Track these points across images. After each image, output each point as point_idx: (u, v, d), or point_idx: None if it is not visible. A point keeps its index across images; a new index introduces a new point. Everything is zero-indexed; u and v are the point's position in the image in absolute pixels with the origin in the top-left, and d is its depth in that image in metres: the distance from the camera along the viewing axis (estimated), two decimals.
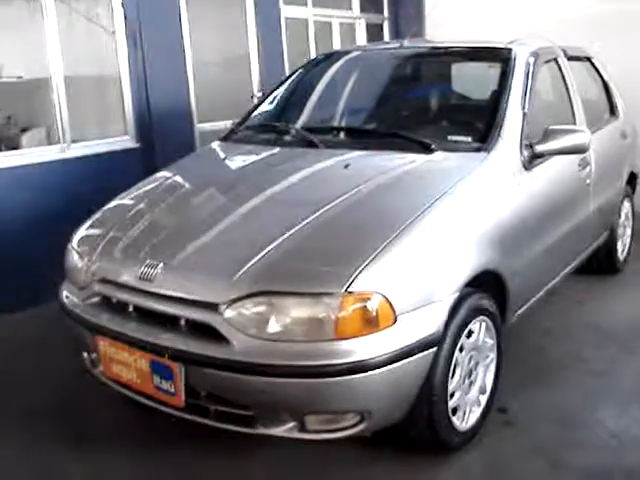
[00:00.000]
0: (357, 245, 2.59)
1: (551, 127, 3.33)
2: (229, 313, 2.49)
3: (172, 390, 2.62)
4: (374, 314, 2.42)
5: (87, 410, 3.37)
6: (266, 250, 2.60)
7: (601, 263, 4.89)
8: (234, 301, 2.49)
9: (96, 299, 2.95)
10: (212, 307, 2.52)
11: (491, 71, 3.65)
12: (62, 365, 3.69)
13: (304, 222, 2.73)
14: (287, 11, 6.71)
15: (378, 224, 2.73)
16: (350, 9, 7.77)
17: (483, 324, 2.94)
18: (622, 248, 5.07)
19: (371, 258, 2.48)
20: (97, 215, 3.37)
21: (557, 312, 4.32)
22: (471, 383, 2.93)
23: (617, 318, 4.28)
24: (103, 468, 2.94)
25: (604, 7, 6.48)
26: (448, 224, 2.79)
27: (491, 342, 3.04)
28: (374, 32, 8.06)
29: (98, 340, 2.84)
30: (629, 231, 5.22)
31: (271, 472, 2.88)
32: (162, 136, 5.50)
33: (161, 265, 2.70)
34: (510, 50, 3.68)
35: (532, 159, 3.33)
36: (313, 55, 7.11)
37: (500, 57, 3.67)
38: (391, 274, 2.50)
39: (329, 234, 2.71)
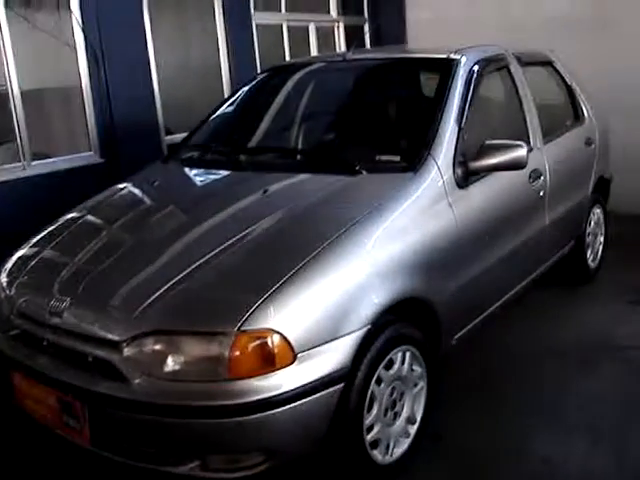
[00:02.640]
0: (254, 280, 2.51)
1: (486, 142, 3.20)
2: (129, 351, 2.43)
3: (78, 427, 2.58)
4: (270, 353, 2.33)
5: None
6: (167, 286, 2.53)
7: (569, 273, 4.74)
8: (133, 339, 2.43)
9: (16, 332, 2.89)
10: (113, 345, 2.46)
11: (431, 83, 3.52)
12: None
13: (208, 256, 2.65)
14: (259, 17, 6.62)
15: (281, 256, 2.63)
16: (328, 12, 7.65)
17: (407, 353, 2.83)
18: (593, 256, 4.91)
19: (267, 294, 2.39)
20: (25, 244, 3.30)
21: (516, 326, 4.18)
22: (396, 414, 2.83)
23: (577, 331, 4.13)
24: None
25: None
26: (359, 254, 2.66)
27: (420, 370, 2.93)
28: (354, 35, 7.92)
29: (14, 374, 2.79)
30: (601, 238, 5.05)
31: None
32: (128, 151, 5.44)
33: (68, 300, 2.65)
34: (452, 60, 3.53)
35: (467, 176, 3.19)
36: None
37: (441, 68, 3.52)
38: (289, 311, 2.39)
39: (230, 269, 2.62)
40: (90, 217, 3.41)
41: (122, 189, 3.68)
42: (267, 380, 2.33)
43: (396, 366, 2.77)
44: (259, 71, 4.26)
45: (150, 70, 5.69)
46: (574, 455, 2.98)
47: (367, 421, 2.65)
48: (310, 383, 2.39)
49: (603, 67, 5.80)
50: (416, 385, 2.93)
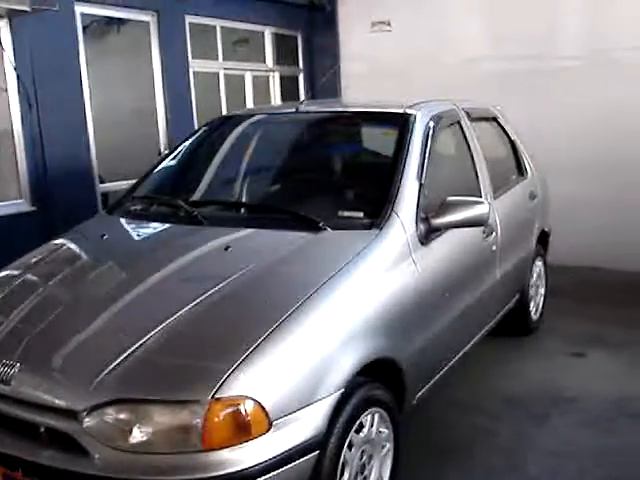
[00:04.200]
0: (225, 345, 2.37)
1: (448, 199, 3.17)
2: (89, 421, 2.23)
3: None
4: (245, 421, 2.20)
5: None
6: (130, 350, 2.36)
7: (514, 325, 4.77)
8: (94, 408, 2.23)
9: None
10: (71, 414, 2.26)
11: (388, 138, 3.49)
12: None
13: (172, 318, 2.49)
14: (196, 65, 6.54)
15: (251, 319, 2.50)
16: (264, 62, 7.65)
17: (376, 415, 2.74)
18: (535, 308, 4.98)
19: (241, 359, 2.25)
20: None
21: (466, 379, 4.14)
22: (365, 478, 2.72)
23: (527, 385, 4.15)
24: None
25: (517, 65, 6.59)
26: (330, 315, 2.58)
27: (387, 432, 2.83)
28: (289, 85, 7.95)
29: None
30: (542, 290, 5.14)
31: None
32: (61, 199, 5.23)
33: (18, 365, 2.43)
34: (409, 115, 3.52)
35: (429, 233, 3.16)
36: (224, 109, 6.96)
37: (398, 122, 3.50)
38: (264, 376, 2.27)
39: (197, 331, 2.47)
40: (34, 273, 3.18)
41: (67, 243, 3.47)
42: (242, 450, 2.19)
43: (366, 429, 2.68)
44: (205, 121, 4.10)
45: (85, 116, 5.51)
46: None
47: None
48: (286, 452, 2.27)
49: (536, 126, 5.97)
50: (383, 447, 2.84)
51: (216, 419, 2.17)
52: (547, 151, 5.48)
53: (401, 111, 3.58)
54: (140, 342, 2.39)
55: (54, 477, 2.26)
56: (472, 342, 3.82)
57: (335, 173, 3.77)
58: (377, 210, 3.08)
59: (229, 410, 2.18)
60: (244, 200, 3.74)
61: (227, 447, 2.18)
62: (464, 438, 3.54)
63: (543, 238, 5.01)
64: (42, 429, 2.32)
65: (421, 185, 3.22)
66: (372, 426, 2.72)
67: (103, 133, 5.71)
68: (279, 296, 2.63)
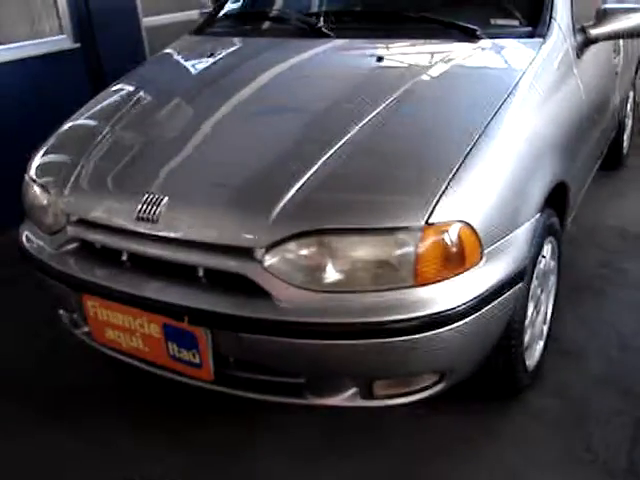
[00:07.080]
0: (425, 165, 2.03)
1: (606, 6, 2.82)
2: (269, 260, 1.91)
3: (196, 361, 2.06)
4: (460, 250, 1.90)
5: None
6: (306, 177, 2.00)
7: (608, 159, 4.46)
8: (275, 244, 1.91)
9: (73, 246, 2.32)
10: (245, 253, 1.93)
11: None
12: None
13: (344, 138, 2.12)
14: None
15: (443, 135, 2.16)
16: None
17: (549, 246, 2.49)
18: (627, 142, 4.69)
19: (447, 181, 1.92)
20: (56, 137, 2.67)
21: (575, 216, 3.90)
22: (537, 314, 2.50)
23: (638, 220, 3.91)
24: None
25: None
26: (522, 129, 2.24)
27: (553, 264, 2.60)
28: None
29: (85, 299, 2.22)
30: (630, 122, 4.82)
31: None
32: (105, 33, 4.71)
33: (166, 200, 2.07)
34: None
35: (584, 46, 2.81)
36: None
37: None
38: (473, 199, 1.96)
39: (382, 153, 2.11)
40: (141, 99, 2.73)
41: (158, 67, 3.04)
42: (455, 284, 1.91)
43: (544, 260, 2.44)
44: None
45: None
46: None
47: (526, 323, 2.31)
48: (497, 284, 2.00)
49: None
50: (550, 281, 2.60)
51: (430, 248, 1.87)
52: None
53: None
54: (313, 170, 2.02)
55: (231, 325, 1.97)
56: (595, 167, 3.55)
57: None
58: (534, 17, 2.69)
59: (443, 237, 1.88)
60: (376, 9, 3.21)
61: (440, 281, 1.89)
62: (593, 275, 3.33)
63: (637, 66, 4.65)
64: (201, 272, 2.02)
65: None
66: (547, 257, 2.48)
67: None
68: (467, 110, 2.27)
